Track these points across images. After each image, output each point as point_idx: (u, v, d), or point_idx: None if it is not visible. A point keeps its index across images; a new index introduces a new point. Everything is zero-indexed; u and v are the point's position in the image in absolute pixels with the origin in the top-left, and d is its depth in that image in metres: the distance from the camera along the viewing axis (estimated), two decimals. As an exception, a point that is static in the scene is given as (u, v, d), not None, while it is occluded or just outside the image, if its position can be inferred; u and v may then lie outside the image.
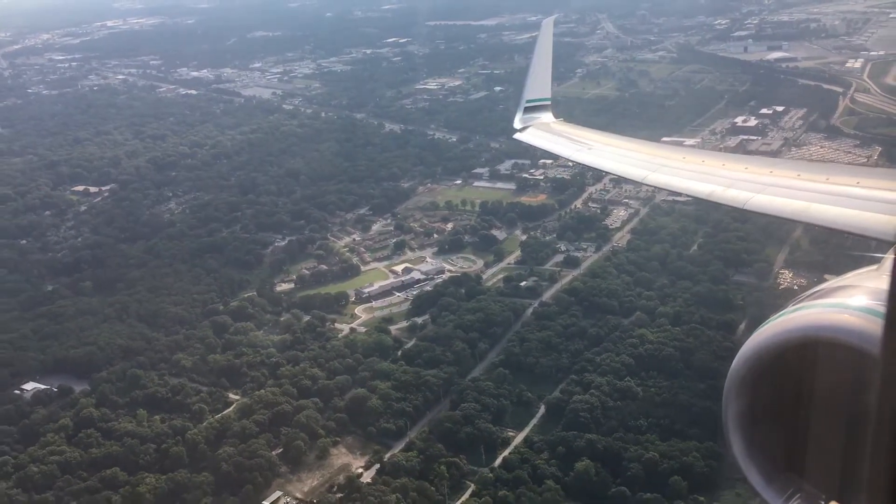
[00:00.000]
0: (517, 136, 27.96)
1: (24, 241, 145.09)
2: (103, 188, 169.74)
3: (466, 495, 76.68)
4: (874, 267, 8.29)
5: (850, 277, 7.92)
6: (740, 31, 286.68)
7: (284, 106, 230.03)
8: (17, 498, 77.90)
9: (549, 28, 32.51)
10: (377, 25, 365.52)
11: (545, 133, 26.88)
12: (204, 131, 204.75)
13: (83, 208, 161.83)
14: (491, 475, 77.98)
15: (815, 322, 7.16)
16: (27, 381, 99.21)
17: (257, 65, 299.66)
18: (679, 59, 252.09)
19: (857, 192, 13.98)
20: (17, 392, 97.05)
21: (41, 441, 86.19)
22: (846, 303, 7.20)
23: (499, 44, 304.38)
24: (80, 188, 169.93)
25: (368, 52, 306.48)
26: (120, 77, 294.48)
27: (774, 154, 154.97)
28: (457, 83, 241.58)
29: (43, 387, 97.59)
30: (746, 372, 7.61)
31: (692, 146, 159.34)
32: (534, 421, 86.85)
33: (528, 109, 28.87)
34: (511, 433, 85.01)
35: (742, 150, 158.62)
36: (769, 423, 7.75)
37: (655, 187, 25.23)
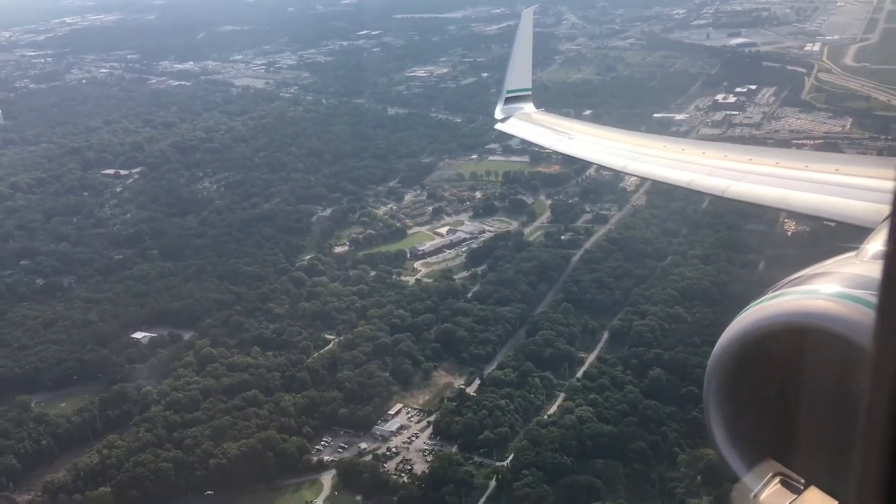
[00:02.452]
0: (498, 126, 28.39)
1: (74, 219, 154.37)
2: (133, 171, 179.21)
3: (560, 400, 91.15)
4: (853, 253, 8.25)
5: (829, 264, 7.84)
6: (698, 20, 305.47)
7: (282, 94, 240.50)
8: (170, 418, 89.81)
9: (528, 18, 32.46)
10: (344, 20, 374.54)
11: (526, 123, 27.18)
12: (212, 118, 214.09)
13: (119, 189, 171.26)
14: (578, 384, 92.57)
15: (795, 309, 7.11)
16: (135, 331, 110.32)
17: (238, 57, 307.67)
18: (648, 45, 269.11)
19: (836, 180, 14.15)
20: (131, 339, 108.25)
21: (174, 375, 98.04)
22: (826, 289, 7.14)
23: (470, 35, 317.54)
24: (111, 171, 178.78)
25: (345, 44, 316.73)
26: (103, 71, 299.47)
27: (758, 126, 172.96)
28: (444, 71, 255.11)
29: (153, 335, 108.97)
30: (727, 359, 7.56)
31: (677, 123, 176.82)
32: (600, 344, 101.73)
33: (508, 100, 28.99)
34: (583, 355, 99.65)
35: (727, 124, 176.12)
36: (750, 410, 7.73)
37: (636, 176, 23.76)
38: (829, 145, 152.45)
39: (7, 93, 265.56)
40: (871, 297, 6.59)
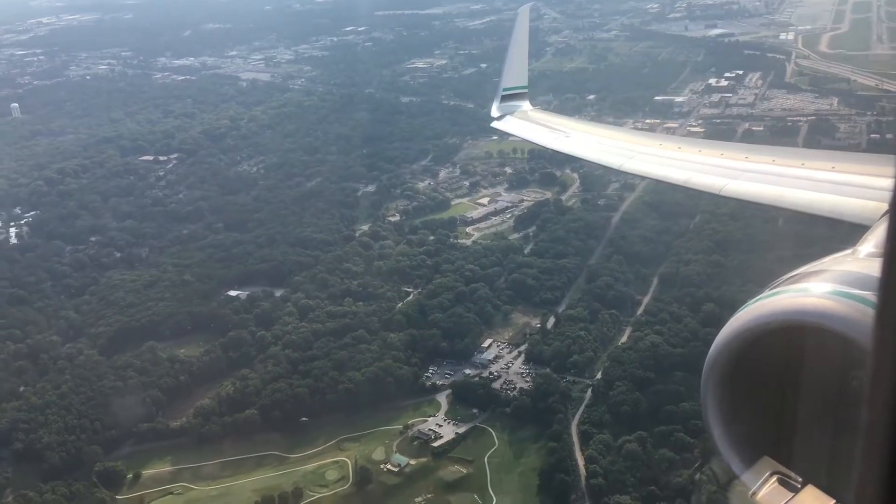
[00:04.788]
0: (495, 124, 28.39)
1: (130, 199, 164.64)
2: (170, 156, 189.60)
3: (628, 333, 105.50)
4: (850, 251, 8.39)
5: (826, 262, 7.93)
6: (673, 13, 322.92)
7: (291, 86, 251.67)
8: (290, 355, 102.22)
9: (525, 16, 32.29)
10: (325, 17, 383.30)
11: (523, 121, 27.27)
12: (231, 109, 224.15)
13: (161, 173, 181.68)
14: (642, 318, 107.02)
15: (792, 307, 7.20)
16: (229, 290, 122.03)
17: (233, 53, 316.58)
18: (632, 37, 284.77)
19: (833, 177, 14.23)
20: (229, 296, 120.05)
21: (280, 322, 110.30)
22: (822, 287, 7.22)
23: (456, 29, 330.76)
24: (150, 157, 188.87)
25: (335, 39, 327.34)
26: (102, 67, 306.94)
27: (752, 106, 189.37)
28: (443, 62, 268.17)
29: (247, 292, 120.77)
30: (725, 358, 7.67)
31: (678, 105, 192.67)
32: (652, 288, 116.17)
33: (504, 98, 28.98)
34: (639, 297, 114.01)
35: (724, 105, 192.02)
36: (748, 408, 7.81)
37: (633, 175, 23.39)
38: (822, 121, 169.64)
39: (13, 89, 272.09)
40: (868, 294, 6.69)
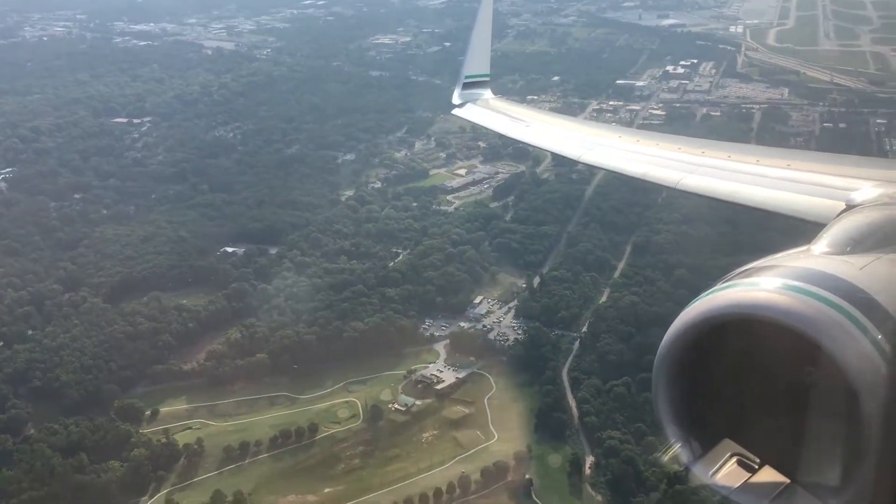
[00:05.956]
0: (455, 111, 28.15)
1: (110, 159, 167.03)
2: (144, 119, 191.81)
3: (607, 293, 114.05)
4: (804, 248, 8.71)
5: (779, 257, 8.21)
6: (627, 2, 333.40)
7: (258, 56, 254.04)
8: (293, 306, 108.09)
9: (488, 5, 31.85)
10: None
11: (484, 110, 27.30)
12: (200, 76, 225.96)
13: (136, 135, 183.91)
14: (620, 281, 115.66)
15: (744, 300, 7.40)
16: (224, 247, 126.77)
17: (192, 20, 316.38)
18: (589, 23, 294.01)
19: (787, 175, 14.55)
20: (226, 252, 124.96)
21: (279, 276, 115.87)
22: (775, 281, 7.47)
23: (416, 8, 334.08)
24: (123, 119, 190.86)
25: (295, 12, 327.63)
26: (59, 29, 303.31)
27: (708, 92, 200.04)
28: (407, 39, 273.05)
29: (241, 249, 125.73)
30: (677, 349, 7.79)
31: (639, 89, 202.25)
32: (626, 255, 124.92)
33: (466, 85, 28.56)
34: (615, 262, 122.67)
35: (681, 90, 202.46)
36: (700, 399, 7.94)
37: (590, 166, 22.87)
38: (775, 108, 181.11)
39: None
40: (820, 290, 7.14)
